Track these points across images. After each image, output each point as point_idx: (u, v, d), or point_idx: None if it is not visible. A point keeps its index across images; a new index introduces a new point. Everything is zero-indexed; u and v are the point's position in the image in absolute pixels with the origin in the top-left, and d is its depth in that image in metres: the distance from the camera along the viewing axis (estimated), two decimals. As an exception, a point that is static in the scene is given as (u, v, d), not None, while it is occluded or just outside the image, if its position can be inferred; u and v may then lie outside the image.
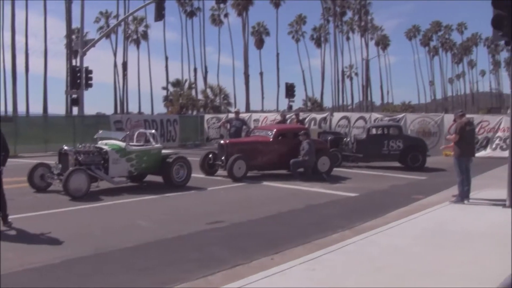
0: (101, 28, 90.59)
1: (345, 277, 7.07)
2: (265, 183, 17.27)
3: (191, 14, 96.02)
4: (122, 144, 15.44)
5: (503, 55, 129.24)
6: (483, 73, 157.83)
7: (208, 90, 76.91)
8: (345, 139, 24.06)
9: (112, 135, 17.23)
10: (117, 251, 8.59)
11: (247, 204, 13.66)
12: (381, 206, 12.86)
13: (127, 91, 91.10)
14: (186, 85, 78.29)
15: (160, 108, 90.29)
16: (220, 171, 18.57)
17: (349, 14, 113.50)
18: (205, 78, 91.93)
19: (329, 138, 23.42)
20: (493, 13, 11.97)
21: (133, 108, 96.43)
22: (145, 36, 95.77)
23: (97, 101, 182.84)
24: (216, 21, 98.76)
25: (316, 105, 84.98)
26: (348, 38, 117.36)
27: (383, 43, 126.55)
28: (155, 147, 16.30)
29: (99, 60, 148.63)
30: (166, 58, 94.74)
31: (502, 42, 13.00)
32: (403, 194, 14.93)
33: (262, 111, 77.52)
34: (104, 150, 14.99)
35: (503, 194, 12.49)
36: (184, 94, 71.52)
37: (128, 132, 17.60)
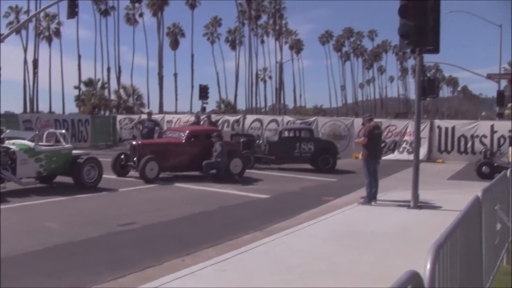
0: (10, 23, 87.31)
1: (255, 278, 7.17)
2: (177, 184, 17.21)
3: (105, 13, 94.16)
4: (31, 144, 14.99)
5: (411, 62, 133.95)
6: (391, 79, 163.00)
7: (121, 90, 75.70)
8: (257, 141, 24.31)
9: (20, 135, 16.73)
10: (24, 254, 8.35)
11: (159, 205, 13.58)
12: (292, 208, 13.09)
13: (37, 89, 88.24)
14: (99, 84, 76.75)
15: (71, 108, 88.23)
16: (132, 172, 18.35)
17: (264, 17, 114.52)
18: (118, 78, 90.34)
19: (242, 140, 23.58)
20: (400, 23, 12.46)
21: (43, 107, 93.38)
22: (57, 33, 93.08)
23: (5, 99, 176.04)
24: (131, 20, 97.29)
25: (229, 107, 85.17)
26: (262, 42, 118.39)
27: (297, 47, 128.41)
28: (65, 147, 15.94)
29: (8, 57, 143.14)
30: (79, 57, 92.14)
31: (409, 50, 13.53)
32: (314, 196, 15.24)
33: (176, 112, 77.04)
34: (12, 150, 14.49)
35: (408, 195, 12.97)
36: (97, 94, 70.14)
37: (37, 132, 17.09)
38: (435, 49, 12.73)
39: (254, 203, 14.23)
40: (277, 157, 22.59)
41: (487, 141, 26.51)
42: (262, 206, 13.83)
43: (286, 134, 23.77)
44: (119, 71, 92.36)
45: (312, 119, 32.10)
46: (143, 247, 9.15)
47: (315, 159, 22.62)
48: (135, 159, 17.87)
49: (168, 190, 16.30)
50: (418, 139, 13.65)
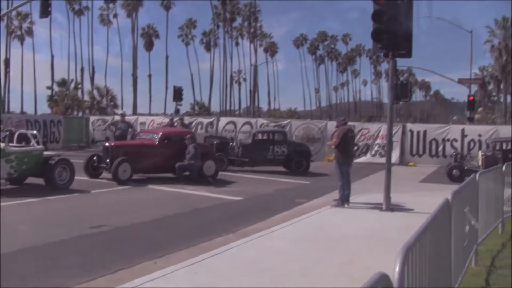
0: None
1: (227, 280, 7.18)
2: (150, 186, 17.14)
3: (79, 13, 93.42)
4: (1, 144, 14.82)
5: (384, 66, 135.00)
6: (365, 82, 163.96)
7: (95, 91, 75.07)
8: (231, 143, 24.32)
9: (-10, 135, 16.54)
10: (-7, 256, 8.25)
11: (131, 207, 13.53)
12: (265, 210, 13.12)
13: (9, 89, 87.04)
14: (72, 85, 76.03)
15: (44, 108, 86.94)
16: (105, 174, 18.23)
17: (239, 20, 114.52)
18: (92, 79, 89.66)
19: (216, 142, 23.58)
20: (373, 27, 12.59)
21: (15, 107, 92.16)
22: (29, 32, 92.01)
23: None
24: (105, 21, 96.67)
25: (203, 110, 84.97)
26: (237, 44, 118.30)
27: (271, 50, 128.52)
28: (36, 148, 15.78)
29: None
30: (52, 57, 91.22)
31: (382, 54, 13.68)
32: (287, 198, 15.28)
33: (150, 114, 76.64)
34: (-19, 151, 14.33)
35: (380, 198, 13.08)
36: (70, 94, 69.47)
37: (8, 133, 16.90)
38: (408, 54, 12.89)
39: (227, 205, 14.23)
40: (250, 160, 22.62)
41: (457, 145, 26.85)
42: (235, 208, 13.85)
43: (259, 136, 23.81)
44: (93, 72, 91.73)
45: (286, 122, 32.20)
46: (115, 249, 9.10)
47: (288, 162, 22.70)
48: (107, 160, 17.75)
49: (141, 192, 16.23)
50: (390, 143, 13.80)
